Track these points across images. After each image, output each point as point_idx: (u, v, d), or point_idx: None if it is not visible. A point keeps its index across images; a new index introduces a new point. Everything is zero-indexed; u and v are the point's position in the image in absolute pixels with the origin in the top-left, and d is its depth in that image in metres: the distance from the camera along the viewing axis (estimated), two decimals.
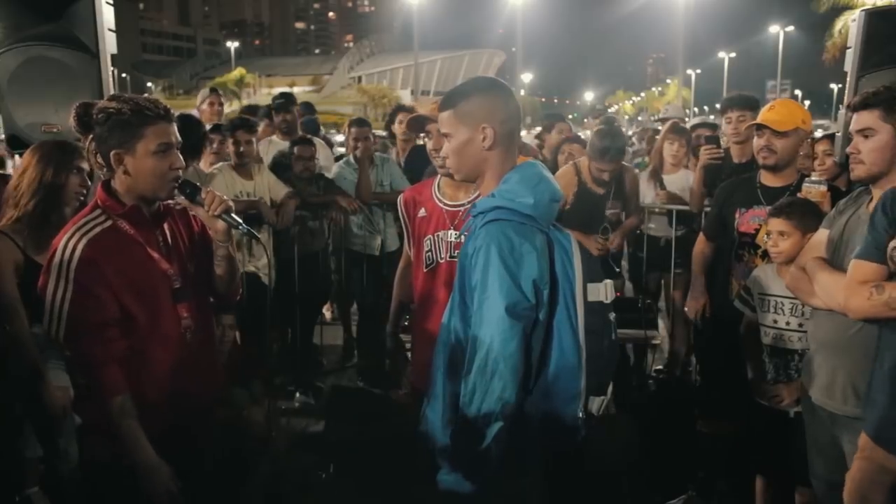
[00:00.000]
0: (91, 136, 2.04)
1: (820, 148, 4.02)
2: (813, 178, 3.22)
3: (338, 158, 5.65)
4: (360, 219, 4.99)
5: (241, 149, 4.37)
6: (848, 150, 2.34)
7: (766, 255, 3.01)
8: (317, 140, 5.45)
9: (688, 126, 5.56)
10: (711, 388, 3.80)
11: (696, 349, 4.55)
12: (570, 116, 19.06)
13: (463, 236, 2.01)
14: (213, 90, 5.82)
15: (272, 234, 4.47)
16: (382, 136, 7.12)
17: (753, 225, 3.24)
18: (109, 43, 3.24)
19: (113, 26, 3.28)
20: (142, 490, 1.99)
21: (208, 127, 4.57)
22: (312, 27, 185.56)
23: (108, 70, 3.24)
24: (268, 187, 4.50)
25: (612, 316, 1.90)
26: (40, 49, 3.17)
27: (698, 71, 68.77)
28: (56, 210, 2.72)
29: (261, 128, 5.58)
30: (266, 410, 3.76)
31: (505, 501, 1.81)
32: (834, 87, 52.22)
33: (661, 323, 5.09)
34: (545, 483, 1.89)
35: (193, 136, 3.82)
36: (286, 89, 11.39)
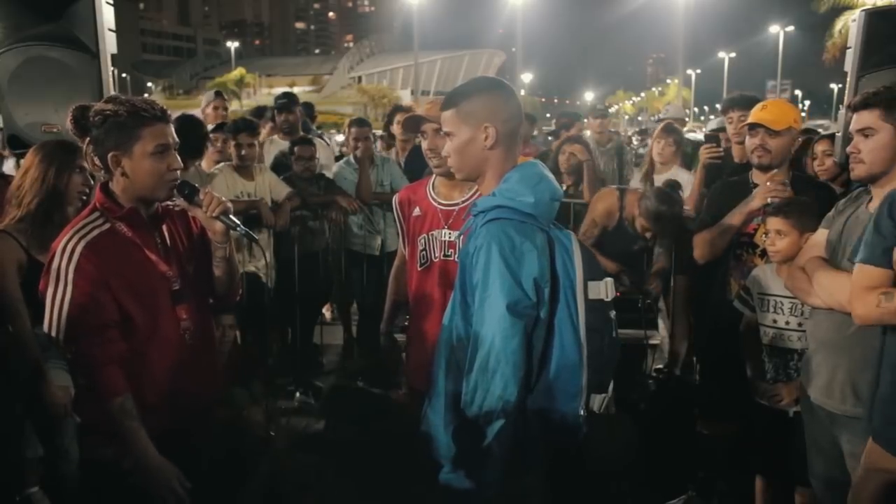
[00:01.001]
0: (88, 138, 2.04)
1: (820, 148, 4.01)
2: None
3: (337, 158, 5.66)
4: (360, 219, 4.99)
5: (243, 152, 4.38)
6: (848, 149, 2.34)
7: (765, 255, 3.01)
8: (317, 140, 5.45)
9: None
10: (711, 388, 3.79)
11: (696, 349, 4.54)
12: None
13: (461, 236, 2.01)
14: (218, 94, 5.76)
15: (272, 234, 4.47)
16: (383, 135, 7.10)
17: (752, 224, 3.24)
18: (109, 43, 3.23)
19: (113, 26, 3.27)
20: (142, 490, 1.99)
21: (211, 127, 4.57)
22: (312, 27, 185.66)
23: (108, 70, 3.23)
24: (269, 188, 4.50)
25: (613, 314, 1.91)
26: (40, 49, 3.17)
27: (698, 71, 68.79)
28: (59, 209, 2.72)
29: (265, 129, 5.58)
30: (266, 410, 3.76)
31: (506, 500, 1.81)
32: (834, 87, 52.24)
33: (661, 323, 5.08)
34: (546, 481, 1.90)
35: (193, 137, 3.83)
36: (286, 89, 11.31)
